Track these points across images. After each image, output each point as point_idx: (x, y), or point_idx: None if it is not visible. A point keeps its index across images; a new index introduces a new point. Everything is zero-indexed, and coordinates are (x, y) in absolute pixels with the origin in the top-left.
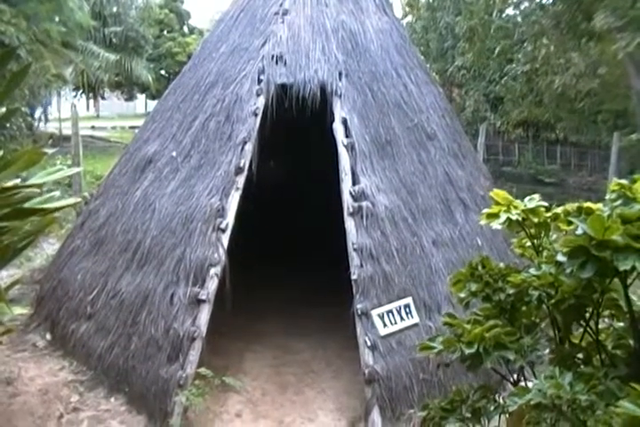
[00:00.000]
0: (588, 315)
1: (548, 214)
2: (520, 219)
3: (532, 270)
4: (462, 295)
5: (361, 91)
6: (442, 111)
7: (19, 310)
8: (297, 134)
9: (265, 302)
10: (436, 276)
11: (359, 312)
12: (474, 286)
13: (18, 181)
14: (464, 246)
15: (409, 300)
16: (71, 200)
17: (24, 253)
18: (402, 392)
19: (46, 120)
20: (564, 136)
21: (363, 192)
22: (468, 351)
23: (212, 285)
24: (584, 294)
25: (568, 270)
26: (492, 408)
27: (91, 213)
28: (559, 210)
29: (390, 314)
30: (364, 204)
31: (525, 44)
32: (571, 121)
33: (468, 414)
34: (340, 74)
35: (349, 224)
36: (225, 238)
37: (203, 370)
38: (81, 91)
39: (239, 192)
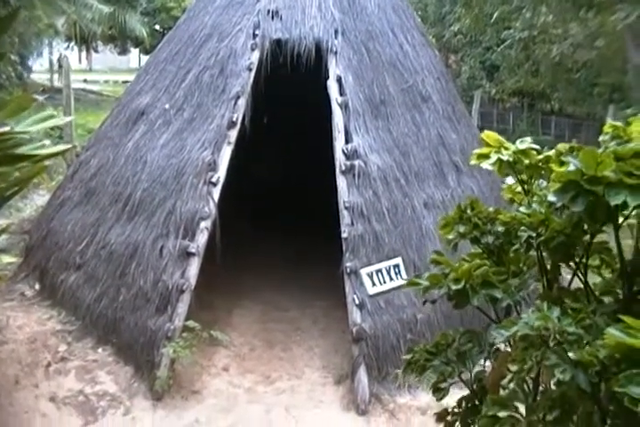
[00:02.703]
0: (577, 259)
1: (540, 157)
2: (511, 160)
3: (522, 208)
4: (450, 237)
5: (356, 49)
6: (437, 74)
7: (7, 259)
8: (291, 91)
9: (255, 258)
10: (426, 238)
11: (348, 271)
12: (462, 228)
13: (8, 128)
14: None
15: (399, 260)
16: (61, 147)
17: (14, 204)
18: (389, 352)
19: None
20: (559, 107)
21: (355, 151)
22: (454, 287)
23: (201, 238)
24: (574, 234)
25: (559, 204)
26: (478, 351)
27: (81, 164)
28: (551, 152)
29: (379, 273)
30: (357, 162)
31: (524, 11)
32: (567, 92)
33: (454, 357)
34: (336, 31)
35: (341, 182)
36: (216, 192)
37: (191, 323)
38: (73, 43)
39: (231, 146)
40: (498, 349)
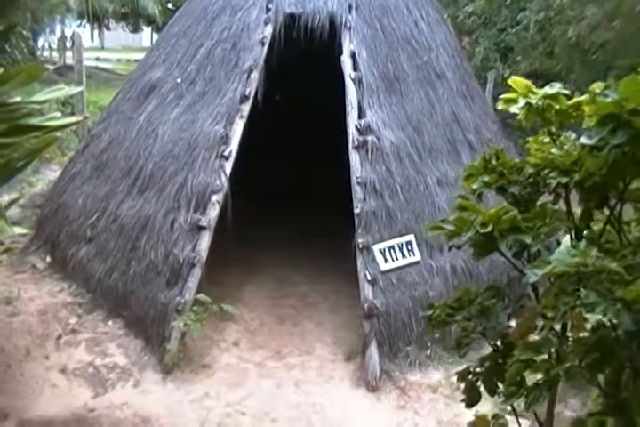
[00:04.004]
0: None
1: (571, 102)
2: (540, 104)
3: (554, 150)
4: (475, 187)
5: (370, 24)
6: (452, 51)
7: (19, 230)
8: (304, 66)
9: (266, 232)
10: (439, 215)
11: (360, 246)
12: (487, 178)
13: (19, 99)
14: None
15: (411, 237)
16: (73, 119)
17: (26, 179)
18: (400, 329)
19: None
20: (571, 91)
21: (368, 126)
22: (483, 231)
23: (213, 212)
24: (610, 175)
25: (596, 138)
26: (502, 307)
27: (93, 138)
28: (582, 97)
29: (392, 250)
30: (370, 138)
31: None
32: (583, 74)
33: (476, 313)
34: (350, 6)
35: (354, 158)
36: (228, 166)
37: (201, 296)
38: (85, 20)
39: (244, 120)
40: (522, 305)
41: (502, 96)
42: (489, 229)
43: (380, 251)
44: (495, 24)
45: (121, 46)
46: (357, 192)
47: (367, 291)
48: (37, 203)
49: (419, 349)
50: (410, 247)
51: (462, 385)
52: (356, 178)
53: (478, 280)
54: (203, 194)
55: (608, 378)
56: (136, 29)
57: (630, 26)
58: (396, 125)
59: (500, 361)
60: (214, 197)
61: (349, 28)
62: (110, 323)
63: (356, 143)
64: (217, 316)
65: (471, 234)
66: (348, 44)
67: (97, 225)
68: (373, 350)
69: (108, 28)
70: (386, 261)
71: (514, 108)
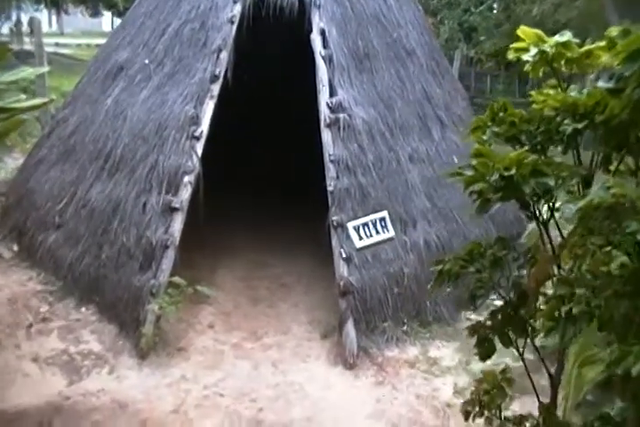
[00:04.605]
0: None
1: (583, 50)
2: (553, 52)
3: (573, 93)
4: (485, 138)
5: (340, 2)
6: (421, 29)
7: None
8: (274, 45)
9: (238, 214)
10: (412, 191)
11: (334, 224)
12: (497, 128)
13: None
14: (440, 163)
15: (385, 213)
16: (39, 100)
17: None
18: (376, 305)
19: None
20: None
21: (340, 104)
22: (506, 174)
23: (185, 193)
24: (634, 114)
25: (628, 73)
26: (513, 258)
27: (59, 123)
28: (594, 45)
29: (366, 227)
30: (341, 116)
31: None
32: None
33: (488, 265)
34: None
35: (326, 136)
36: (199, 146)
37: (176, 279)
38: (42, 5)
39: (214, 100)
40: (533, 256)
41: (512, 45)
42: (512, 171)
43: (355, 228)
44: (459, 4)
45: (80, 31)
46: (330, 170)
47: (342, 268)
48: (1, 191)
49: (395, 325)
50: (384, 224)
51: (474, 339)
52: (329, 156)
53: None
54: (174, 175)
55: None
56: (96, 14)
57: (592, 4)
58: (367, 103)
59: (512, 313)
60: (186, 178)
61: (318, 6)
62: (83, 309)
63: (328, 121)
64: (191, 299)
65: (495, 177)
66: (317, 22)
67: (66, 211)
68: (350, 328)
69: (66, 13)
70: (360, 238)
71: (526, 57)
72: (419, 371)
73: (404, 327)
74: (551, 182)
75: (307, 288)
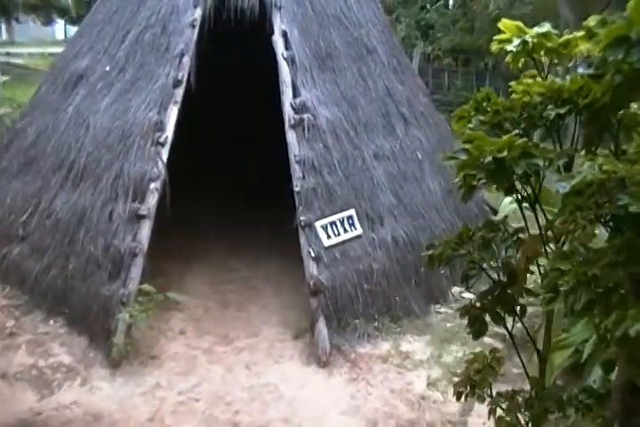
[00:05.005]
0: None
1: (561, 40)
2: (535, 42)
3: (558, 79)
4: (471, 126)
5: (300, 3)
6: (381, 26)
7: None
8: (235, 48)
9: (203, 218)
10: (377, 188)
11: (302, 224)
12: (482, 117)
13: None
14: (404, 160)
15: (352, 212)
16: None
17: None
18: (347, 303)
19: None
20: (492, 65)
21: (304, 104)
22: (499, 155)
23: (152, 200)
24: (613, 100)
25: (611, 58)
26: (502, 239)
27: (18, 134)
28: (572, 35)
29: (334, 225)
30: (305, 116)
31: None
32: None
33: (478, 247)
34: None
35: (291, 136)
36: (164, 152)
37: (146, 286)
38: None
39: (178, 105)
40: (519, 238)
41: (496, 37)
42: (505, 153)
43: (322, 227)
44: (416, 2)
45: (33, 40)
46: (296, 170)
47: (312, 267)
48: None
49: (366, 321)
50: (351, 222)
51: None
52: (294, 156)
53: (420, 250)
54: (140, 182)
55: None
56: (48, 22)
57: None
58: (330, 102)
59: (501, 293)
60: (152, 185)
61: (279, 8)
62: (51, 322)
63: (293, 122)
64: (161, 306)
65: (489, 159)
66: (278, 24)
67: (30, 223)
68: (322, 326)
69: (17, 21)
70: (328, 236)
71: (510, 47)
72: (392, 366)
73: (376, 323)
74: (540, 163)
75: (276, 289)
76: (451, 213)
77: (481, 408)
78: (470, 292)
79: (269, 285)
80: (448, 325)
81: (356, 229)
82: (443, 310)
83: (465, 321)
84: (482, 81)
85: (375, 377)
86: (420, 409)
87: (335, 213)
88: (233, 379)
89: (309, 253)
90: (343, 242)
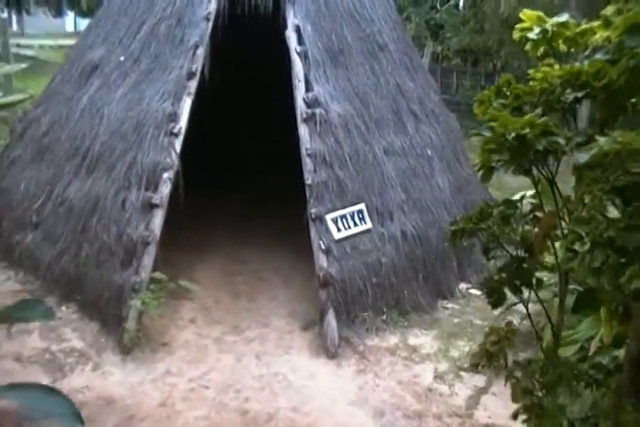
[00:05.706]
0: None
1: (580, 29)
2: (554, 30)
3: (577, 64)
4: (492, 110)
5: None
6: (393, 24)
7: None
8: (249, 41)
9: (215, 209)
10: (387, 184)
11: (313, 217)
12: (503, 101)
13: None
14: (414, 156)
15: (362, 206)
16: (18, 96)
17: None
18: (356, 295)
19: None
20: (501, 66)
21: (316, 99)
22: (523, 132)
23: (164, 189)
24: (629, 82)
25: (627, 43)
26: (520, 216)
27: (32, 123)
28: (588, 25)
29: (344, 219)
30: (318, 111)
31: None
32: (512, 49)
33: (499, 222)
34: None
35: (303, 130)
36: (178, 143)
37: (157, 274)
38: (3, 5)
39: (191, 97)
40: (536, 215)
41: (517, 26)
42: (527, 130)
43: (333, 220)
44: (426, 2)
45: (43, 32)
46: (307, 164)
47: (322, 260)
48: None
49: (375, 314)
50: (361, 216)
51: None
52: (306, 150)
53: (428, 246)
54: (153, 172)
55: None
56: (59, 14)
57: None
58: (342, 98)
59: (519, 266)
60: (165, 175)
61: (293, 3)
62: (63, 308)
63: (305, 116)
64: (172, 295)
65: (512, 136)
66: (292, 19)
67: (43, 210)
68: (331, 318)
69: (28, 13)
70: (339, 230)
71: (531, 35)
72: (399, 358)
73: (384, 317)
74: (561, 141)
75: (285, 281)
76: (459, 209)
77: (487, 402)
78: (477, 288)
79: (279, 277)
80: (455, 320)
81: (365, 223)
82: (450, 305)
83: (471, 317)
84: (490, 82)
85: (383, 369)
86: (426, 401)
87: (346, 207)
88: (243, 368)
89: (320, 245)
90: (353, 235)
